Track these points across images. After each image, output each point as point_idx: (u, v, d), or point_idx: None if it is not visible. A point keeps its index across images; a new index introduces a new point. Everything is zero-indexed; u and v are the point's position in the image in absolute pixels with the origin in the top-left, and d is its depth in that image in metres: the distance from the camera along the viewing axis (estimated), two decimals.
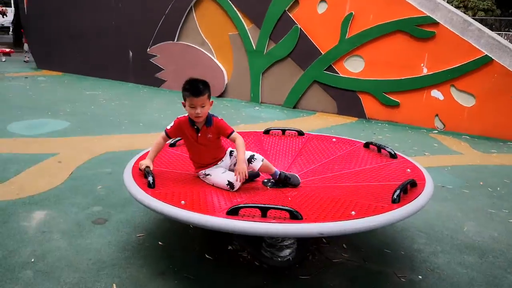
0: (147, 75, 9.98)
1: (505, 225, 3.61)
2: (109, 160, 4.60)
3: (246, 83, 8.84)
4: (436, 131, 7.27)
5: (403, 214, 2.19)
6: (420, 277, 2.73)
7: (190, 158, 2.99)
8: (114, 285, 2.44)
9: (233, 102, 8.77)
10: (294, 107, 8.50)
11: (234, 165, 2.96)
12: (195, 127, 2.84)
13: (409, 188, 2.47)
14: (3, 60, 13.04)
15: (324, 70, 7.99)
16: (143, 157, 2.99)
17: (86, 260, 2.68)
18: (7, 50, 13.70)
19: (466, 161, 5.59)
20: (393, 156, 3.21)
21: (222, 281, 2.54)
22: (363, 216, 2.11)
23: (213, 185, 2.81)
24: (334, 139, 3.73)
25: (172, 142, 3.41)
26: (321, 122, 7.48)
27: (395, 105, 7.57)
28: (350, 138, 3.79)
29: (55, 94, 8.34)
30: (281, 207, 2.08)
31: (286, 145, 3.68)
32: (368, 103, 7.82)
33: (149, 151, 2.92)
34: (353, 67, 7.80)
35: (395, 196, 2.30)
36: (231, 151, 3.03)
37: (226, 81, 9.03)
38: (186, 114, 2.84)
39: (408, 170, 2.92)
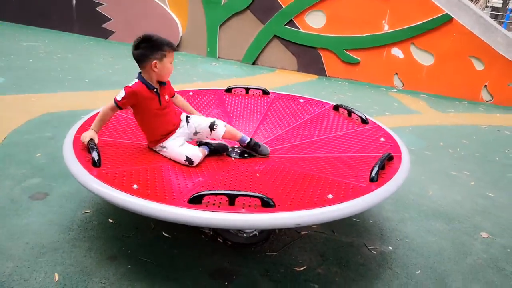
0: (93, 25, 9.11)
1: (467, 188, 3.59)
2: (49, 123, 4.10)
3: (202, 37, 8.28)
4: (395, 90, 7.21)
5: (383, 194, 2.00)
6: (390, 248, 2.62)
7: (144, 131, 2.59)
8: (56, 274, 2.12)
9: (188, 56, 8.23)
10: (253, 63, 8.12)
11: (195, 134, 2.65)
12: (155, 90, 2.47)
13: (385, 162, 2.27)
14: None
15: (285, 24, 7.60)
16: (87, 123, 2.58)
17: (23, 244, 2.32)
18: None
19: (426, 121, 5.57)
20: (364, 121, 3.01)
21: (181, 263, 2.28)
22: (341, 200, 1.89)
23: (169, 159, 2.49)
24: (301, 100, 3.47)
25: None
26: (281, 80, 7.19)
27: (356, 62, 7.39)
28: (318, 99, 3.53)
29: None
30: (251, 193, 1.81)
31: (251, 105, 3.38)
32: (329, 61, 7.58)
33: (94, 116, 2.52)
34: (315, 22, 7.46)
35: (373, 174, 2.10)
36: (187, 117, 2.68)
37: (180, 34, 8.42)
38: (135, 81, 2.44)
39: (382, 139, 2.73)
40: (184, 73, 6.86)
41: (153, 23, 8.25)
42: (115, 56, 7.51)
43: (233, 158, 2.60)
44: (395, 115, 5.70)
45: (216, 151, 2.64)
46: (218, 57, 8.32)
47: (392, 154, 2.40)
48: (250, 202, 1.82)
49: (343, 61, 7.47)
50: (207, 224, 1.71)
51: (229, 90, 3.54)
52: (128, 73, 6.32)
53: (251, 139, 2.66)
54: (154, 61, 2.38)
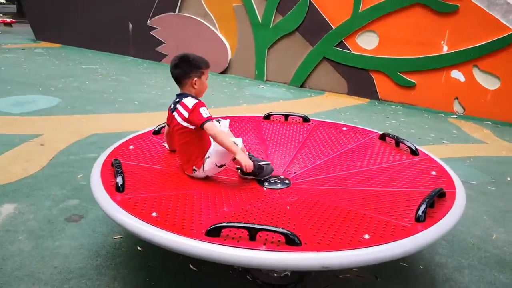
0: (147, 48, 9.47)
1: None
2: (95, 144, 4.19)
3: (251, 59, 8.30)
4: (455, 116, 6.74)
5: (431, 237, 1.75)
6: None
7: (195, 151, 2.47)
8: None
9: (236, 79, 8.27)
10: (301, 86, 7.99)
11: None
12: None
13: (436, 199, 2.03)
14: None
15: (335, 46, 7.43)
16: (120, 147, 2.57)
17: (51, 268, 2.29)
18: (8, 20, 13.19)
19: (490, 151, 5.09)
20: (414, 152, 2.75)
21: None
22: (379, 242, 1.67)
23: (215, 166, 2.44)
24: (344, 128, 3.27)
25: (157, 128, 2.97)
26: (329, 103, 6.98)
27: (411, 86, 7.03)
28: (363, 127, 3.31)
29: (49, 68, 7.89)
30: (274, 229, 1.65)
31: (289, 133, 3.23)
32: (382, 83, 7.28)
33: (128, 140, 2.54)
34: (366, 43, 7.22)
35: (420, 213, 1.86)
36: None
37: (229, 57, 8.50)
38: (190, 98, 2.44)
39: (433, 172, 2.46)
40: (230, 96, 6.86)
41: (203, 46, 8.41)
42: (165, 79, 7.70)
43: (264, 188, 2.45)
44: (454, 144, 5.27)
45: (261, 169, 2.53)
46: (266, 80, 8.28)
47: (444, 190, 2.14)
48: (273, 238, 1.65)
49: (397, 84, 7.14)
50: (221, 260, 1.56)
51: (267, 117, 3.42)
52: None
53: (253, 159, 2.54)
54: (195, 79, 2.43)
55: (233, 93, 7.07)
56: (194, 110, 2.36)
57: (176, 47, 9.02)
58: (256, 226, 1.65)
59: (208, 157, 2.45)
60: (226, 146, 2.31)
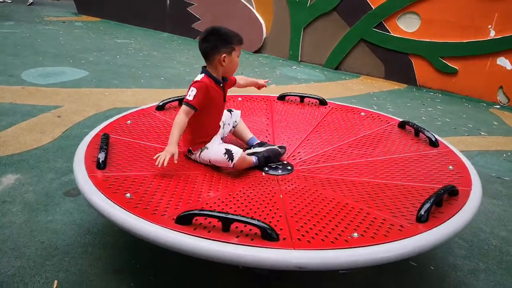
0: (183, 25, 9.37)
1: None
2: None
3: (286, 39, 8.01)
4: (498, 106, 6.20)
5: (431, 240, 1.53)
6: None
7: (195, 132, 2.32)
8: (56, 281, 1.99)
9: (269, 59, 8.02)
10: (336, 68, 7.63)
11: (224, 136, 2.55)
12: (221, 85, 2.34)
13: (446, 197, 1.78)
14: (30, 2, 12.72)
15: (373, 27, 7.00)
16: (116, 122, 2.47)
17: (37, 243, 2.25)
18: None
19: None
20: (434, 143, 2.47)
21: (189, 286, 2.02)
22: (367, 243, 1.46)
23: (208, 163, 2.28)
24: (362, 113, 3.01)
25: (160, 104, 2.84)
26: (363, 88, 6.63)
27: (452, 72, 6.53)
28: (383, 113, 3.04)
29: (84, 41, 7.98)
30: (250, 220, 1.47)
31: (302, 116, 3.01)
32: (421, 69, 6.81)
33: (126, 115, 2.44)
34: (407, 25, 6.75)
35: (422, 212, 1.63)
36: None
37: (264, 35, 8.25)
38: (201, 76, 2.26)
39: (451, 167, 2.19)
40: (260, 76, 6.65)
41: (238, 23, 8.18)
42: (197, 56, 7.56)
43: (263, 174, 2.27)
44: (493, 136, 4.84)
45: (268, 159, 2.37)
46: (300, 61, 7.98)
47: (457, 188, 1.88)
48: (250, 230, 1.48)
49: (438, 70, 6.65)
50: (184, 251, 1.42)
51: (282, 97, 3.21)
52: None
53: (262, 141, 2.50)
54: (223, 55, 2.22)
55: (263, 73, 6.85)
56: (189, 88, 2.20)
57: (212, 24, 8.83)
58: (230, 216, 1.48)
59: (207, 148, 2.30)
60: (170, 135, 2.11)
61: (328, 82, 6.76)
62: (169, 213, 1.60)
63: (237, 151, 2.22)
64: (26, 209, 2.53)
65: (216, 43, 2.22)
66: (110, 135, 2.24)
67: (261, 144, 2.51)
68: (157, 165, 1.93)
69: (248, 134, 2.61)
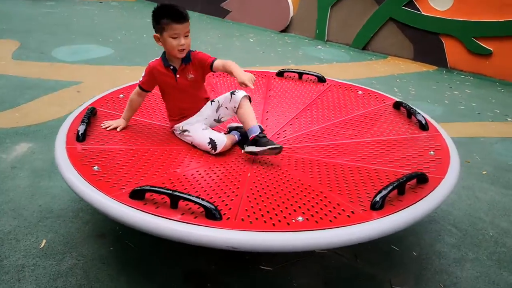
0: (213, 4, 9.40)
1: None
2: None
3: (313, 18, 7.87)
4: None
5: (381, 229, 1.53)
6: None
7: (167, 109, 2.47)
8: (44, 241, 2.18)
9: (295, 38, 7.93)
10: (364, 49, 7.44)
11: (218, 119, 2.43)
12: (171, 67, 2.30)
13: (412, 184, 1.76)
14: None
15: (403, 5, 6.74)
16: (112, 94, 2.60)
17: (35, 206, 2.45)
18: None
19: None
20: (424, 127, 2.42)
21: (163, 254, 2.14)
22: (308, 227, 1.50)
23: (191, 144, 2.34)
24: (360, 91, 2.98)
25: None
26: (389, 69, 6.45)
27: (487, 54, 6.19)
28: (381, 92, 2.99)
29: (117, 20, 8.22)
30: (194, 199, 1.54)
31: (297, 93, 3.01)
32: (452, 50, 6.51)
33: (109, 94, 2.52)
34: (439, 3, 6.45)
35: (377, 198, 1.63)
36: (211, 101, 2.47)
37: (291, 15, 8.14)
38: (157, 58, 2.32)
39: (432, 152, 2.15)
40: (282, 55, 6.63)
41: (265, 2, 8.15)
42: (222, 36, 7.63)
43: (242, 151, 2.32)
44: None
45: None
46: (327, 40, 7.84)
47: (427, 176, 1.85)
48: (198, 208, 1.56)
49: (470, 51, 6.34)
50: (130, 225, 1.52)
51: (280, 73, 3.23)
52: (225, 53, 6.36)
53: (258, 136, 2.16)
54: (157, 35, 2.23)
55: (285, 53, 6.81)
56: None
57: (240, 3, 8.84)
58: (176, 193, 1.56)
59: (188, 131, 2.33)
60: None
61: (352, 63, 6.63)
62: (128, 187, 1.71)
63: (221, 142, 2.22)
64: (32, 175, 2.75)
65: (152, 22, 2.22)
66: (100, 109, 2.37)
67: (258, 141, 2.18)
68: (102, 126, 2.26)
69: (249, 122, 2.26)
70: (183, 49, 2.20)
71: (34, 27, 6.93)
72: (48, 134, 3.32)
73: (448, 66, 6.61)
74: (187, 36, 2.20)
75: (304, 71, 3.18)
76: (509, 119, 4.67)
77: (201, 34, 7.58)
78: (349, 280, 2.11)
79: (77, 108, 2.54)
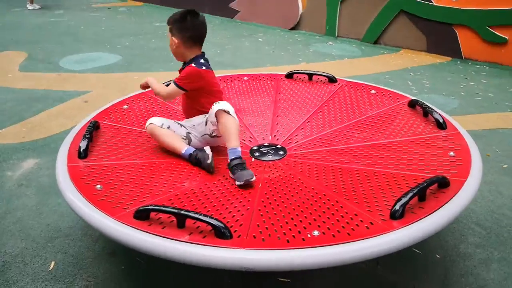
0: (222, 5, 9.31)
1: None
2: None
3: (322, 14, 7.72)
4: None
5: (397, 243, 1.42)
6: None
7: None
8: (53, 262, 2.11)
9: (305, 36, 7.79)
10: (376, 43, 7.26)
11: (210, 134, 2.26)
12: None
13: (434, 189, 1.65)
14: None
15: None
16: (116, 105, 2.55)
17: (43, 225, 2.39)
18: None
19: None
20: (441, 125, 2.29)
21: (176, 279, 2.06)
22: (325, 242, 1.40)
23: None
24: (373, 91, 2.86)
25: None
26: (401, 62, 6.27)
27: (502, 42, 5.98)
28: (395, 91, 2.86)
29: (124, 26, 8.19)
30: (202, 217, 1.45)
31: (308, 95, 2.90)
32: (467, 40, 6.30)
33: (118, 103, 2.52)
34: None
35: (397, 207, 1.51)
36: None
37: (300, 11, 8.01)
38: None
39: (452, 153, 2.02)
40: (292, 54, 6.51)
41: (274, 0, 8.02)
42: (231, 36, 7.53)
43: (252, 159, 2.23)
44: None
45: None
46: (337, 36, 7.68)
47: (448, 180, 1.73)
48: (204, 227, 1.47)
49: (485, 41, 6.13)
50: (135, 247, 1.44)
51: (290, 75, 3.12)
52: (235, 54, 6.27)
53: (235, 159, 1.96)
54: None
55: (296, 51, 6.69)
56: None
57: (249, 3, 8.73)
58: (183, 212, 1.47)
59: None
60: None
61: (364, 58, 6.47)
62: (132, 206, 1.63)
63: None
64: (40, 193, 2.70)
65: None
66: (103, 122, 2.30)
67: (231, 169, 1.97)
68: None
69: (226, 142, 2.05)
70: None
71: (42, 37, 6.94)
72: (54, 148, 3.24)
73: (463, 56, 6.41)
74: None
75: (314, 72, 3.07)
76: None
77: (209, 36, 7.45)
78: None
79: (81, 121, 2.47)
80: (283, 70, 4.87)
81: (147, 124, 2.21)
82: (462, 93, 4.92)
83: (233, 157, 1.96)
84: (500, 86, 5.21)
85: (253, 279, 2.06)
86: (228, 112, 2.05)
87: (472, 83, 5.32)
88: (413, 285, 2.04)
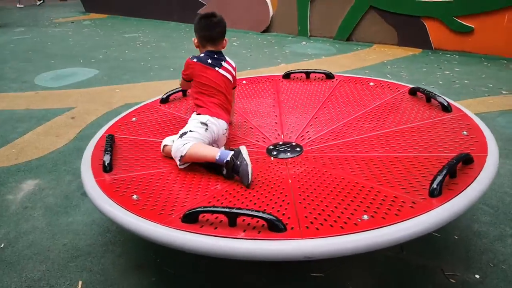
0: (189, 12, 9.26)
1: None
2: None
3: (293, 15, 7.84)
4: None
5: (445, 216, 1.47)
6: (477, 276, 2.03)
7: None
8: (80, 282, 2.04)
9: (278, 37, 7.89)
10: (348, 40, 7.44)
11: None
12: None
13: (460, 166, 1.71)
14: (38, 3, 12.99)
15: None
16: (120, 121, 2.49)
17: (60, 246, 2.30)
18: None
19: None
20: (446, 108, 2.39)
21: (207, 275, 2.04)
22: (378, 224, 1.43)
23: None
24: (371, 83, 2.93)
25: (164, 97, 2.83)
26: (376, 57, 6.45)
27: (468, 31, 6.26)
28: (392, 81, 2.95)
29: (93, 39, 8.02)
30: (254, 213, 1.45)
31: (309, 93, 2.95)
32: (435, 31, 6.56)
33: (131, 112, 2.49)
34: None
35: (434, 185, 1.57)
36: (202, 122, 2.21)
37: (271, 13, 8.09)
38: None
39: (465, 132, 2.11)
40: (269, 56, 6.57)
41: (244, 4, 8.08)
42: None
43: (272, 158, 2.24)
44: None
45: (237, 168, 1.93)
46: (310, 36, 7.81)
47: (471, 156, 1.81)
48: (258, 222, 1.47)
49: (453, 31, 6.40)
50: (192, 250, 1.42)
51: (287, 75, 3.16)
52: None
53: (228, 161, 1.90)
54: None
55: (273, 53, 6.75)
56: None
57: (218, 8, 8.72)
58: (234, 210, 1.47)
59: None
60: None
61: (340, 55, 6.61)
62: (176, 211, 1.60)
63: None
64: (48, 213, 2.60)
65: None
66: (116, 135, 2.25)
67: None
68: None
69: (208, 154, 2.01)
70: None
71: (8, 56, 6.69)
72: (52, 167, 3.16)
73: (433, 47, 6.66)
74: None
75: (311, 70, 3.12)
76: (503, 92, 4.72)
77: (184, 44, 7.45)
78: (402, 273, 2.06)
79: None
80: (264, 72, 4.90)
81: (162, 146, 2.17)
82: (440, 82, 5.12)
83: (228, 159, 1.91)
84: (473, 73, 5.45)
85: (288, 277, 2.06)
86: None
87: (447, 72, 5.54)
88: (440, 268, 2.10)
